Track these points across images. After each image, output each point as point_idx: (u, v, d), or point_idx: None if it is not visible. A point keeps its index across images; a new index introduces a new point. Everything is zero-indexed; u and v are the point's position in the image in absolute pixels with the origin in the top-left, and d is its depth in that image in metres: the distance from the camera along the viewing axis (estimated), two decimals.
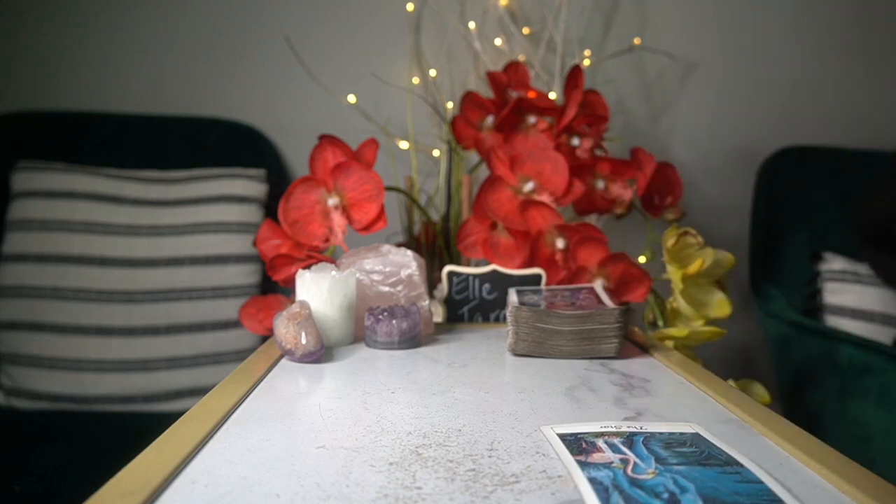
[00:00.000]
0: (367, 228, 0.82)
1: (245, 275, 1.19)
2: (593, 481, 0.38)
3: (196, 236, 1.18)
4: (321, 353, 0.64)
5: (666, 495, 0.36)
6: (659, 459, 0.41)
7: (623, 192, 0.98)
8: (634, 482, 0.37)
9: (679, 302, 0.86)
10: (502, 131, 1.02)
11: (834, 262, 1.21)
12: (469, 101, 1.07)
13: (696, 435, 0.46)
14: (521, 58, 1.32)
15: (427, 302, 0.77)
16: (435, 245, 1.08)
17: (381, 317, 0.70)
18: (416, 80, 1.35)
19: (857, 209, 1.24)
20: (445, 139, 1.18)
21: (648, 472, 0.39)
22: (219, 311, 1.17)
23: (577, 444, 0.43)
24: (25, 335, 1.10)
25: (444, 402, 0.53)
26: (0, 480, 0.84)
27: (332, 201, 0.82)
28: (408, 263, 0.77)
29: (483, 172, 1.18)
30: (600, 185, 0.99)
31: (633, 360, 0.68)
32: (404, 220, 1.15)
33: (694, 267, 0.83)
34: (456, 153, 1.13)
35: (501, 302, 0.84)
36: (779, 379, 1.20)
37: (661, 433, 0.46)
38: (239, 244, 1.19)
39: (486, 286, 0.84)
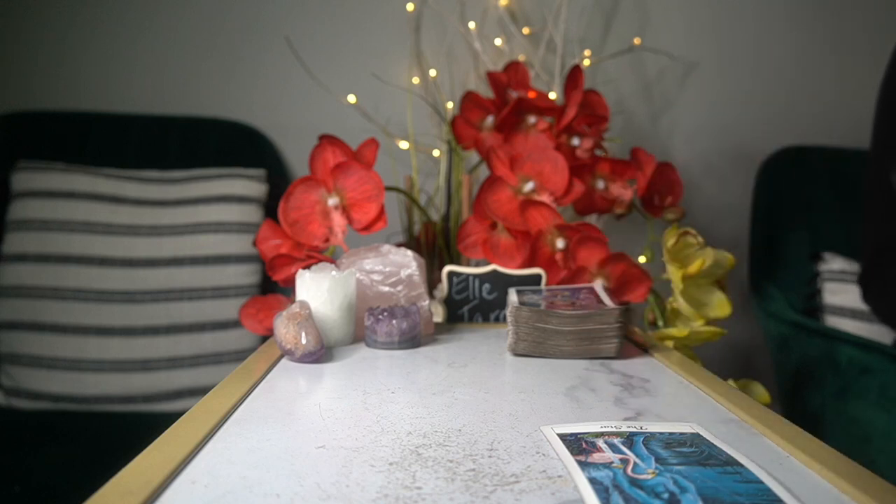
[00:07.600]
0: (367, 228, 0.82)
1: (245, 275, 1.19)
2: (593, 481, 0.38)
3: (196, 236, 1.18)
4: (321, 353, 0.64)
5: (666, 495, 0.36)
6: (659, 459, 0.41)
7: (623, 192, 0.98)
8: (634, 482, 0.37)
9: (679, 302, 0.86)
10: (502, 131, 1.02)
11: (834, 262, 1.21)
12: (469, 101, 1.07)
13: (696, 435, 0.46)
14: (521, 58, 1.32)
15: (427, 302, 0.77)
16: (435, 245, 1.08)
17: (381, 317, 0.70)
18: (416, 80, 1.35)
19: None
20: (445, 139, 1.18)
21: (648, 472, 0.39)
22: (219, 311, 1.17)
23: (577, 444, 0.43)
24: (25, 335, 1.10)
25: (444, 402, 0.53)
26: (0, 480, 0.84)
27: (332, 201, 0.82)
28: (408, 263, 0.77)
29: (483, 172, 1.18)
30: (600, 185, 0.99)
31: (633, 360, 0.68)
32: (404, 220, 1.15)
33: (694, 267, 0.83)
34: (456, 153, 1.13)
35: (501, 302, 0.84)
36: (779, 379, 1.20)
37: (661, 433, 0.46)
38: (239, 244, 1.19)
39: (486, 286, 0.84)
